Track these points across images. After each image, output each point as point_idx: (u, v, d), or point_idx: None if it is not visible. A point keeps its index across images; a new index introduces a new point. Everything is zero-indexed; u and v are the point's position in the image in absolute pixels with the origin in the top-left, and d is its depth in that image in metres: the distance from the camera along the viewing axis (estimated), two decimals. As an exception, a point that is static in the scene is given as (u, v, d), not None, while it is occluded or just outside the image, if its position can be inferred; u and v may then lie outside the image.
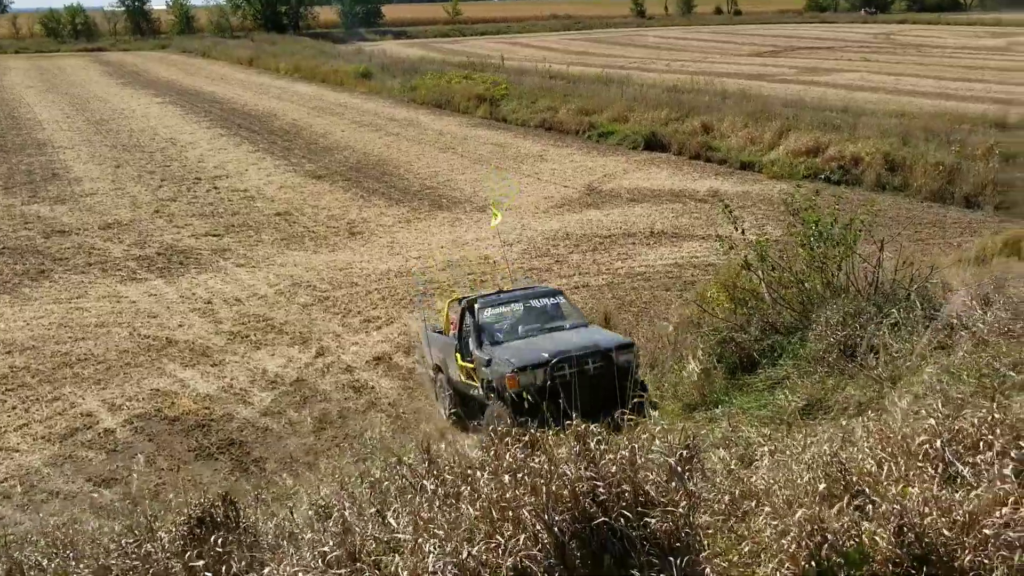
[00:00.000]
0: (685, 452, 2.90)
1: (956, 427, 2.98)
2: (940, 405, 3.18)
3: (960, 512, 2.52)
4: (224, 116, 39.21)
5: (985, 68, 44.88)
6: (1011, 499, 2.47)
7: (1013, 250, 14.51)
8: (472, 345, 10.71)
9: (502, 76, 42.95)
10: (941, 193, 20.95)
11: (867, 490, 2.68)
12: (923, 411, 3.33)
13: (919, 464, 2.84)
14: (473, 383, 10.74)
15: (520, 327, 10.91)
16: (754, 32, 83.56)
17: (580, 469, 2.61)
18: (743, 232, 11.29)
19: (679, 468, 2.77)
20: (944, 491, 2.66)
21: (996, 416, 2.95)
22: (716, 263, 14.93)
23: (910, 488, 2.62)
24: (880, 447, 3.01)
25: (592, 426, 2.99)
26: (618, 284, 16.01)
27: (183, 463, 10.31)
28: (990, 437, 2.84)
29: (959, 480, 2.76)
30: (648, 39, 78.69)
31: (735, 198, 21.47)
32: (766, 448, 3.62)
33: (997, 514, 2.44)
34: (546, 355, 9.78)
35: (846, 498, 2.68)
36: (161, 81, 55.20)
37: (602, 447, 2.75)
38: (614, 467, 2.66)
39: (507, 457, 2.83)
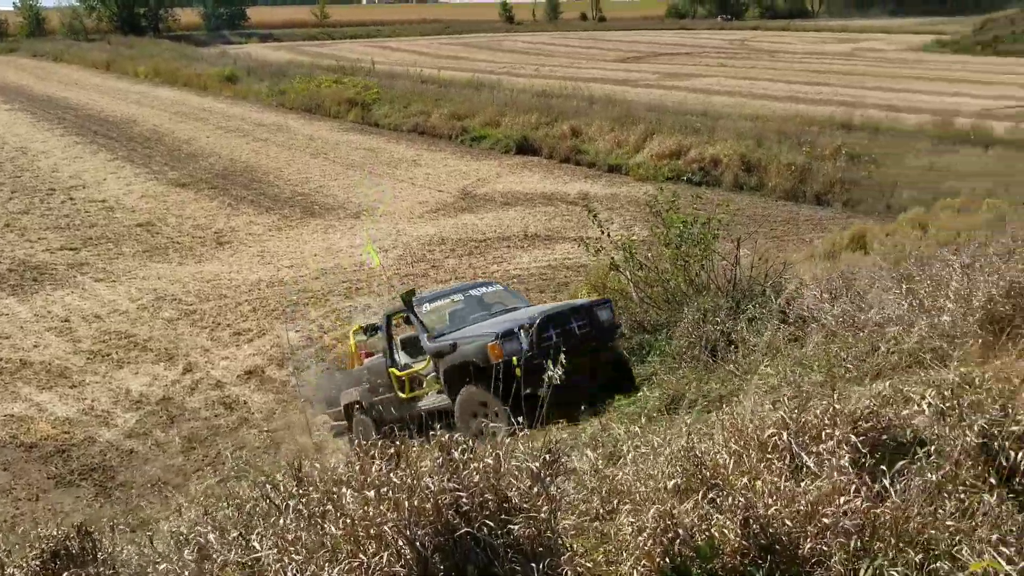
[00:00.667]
0: (548, 456, 2.97)
1: (803, 419, 3.17)
2: (787, 399, 3.37)
3: (803, 502, 2.69)
4: (79, 123, 37.21)
5: (831, 72, 47.64)
6: (849, 488, 2.65)
7: (859, 244, 15.50)
8: (422, 342, 9.62)
9: (373, 80, 42.57)
10: (794, 192, 22.12)
11: (720, 483, 2.83)
12: (773, 404, 3.52)
13: (768, 456, 3.01)
14: (421, 392, 9.79)
15: (468, 316, 9.95)
16: (618, 38, 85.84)
17: (443, 481, 2.63)
18: (608, 234, 11.62)
19: (542, 473, 2.84)
20: (789, 482, 2.82)
21: (837, 407, 3.15)
22: (588, 264, 15.28)
23: (756, 480, 2.78)
24: (733, 440, 3.17)
25: (456, 436, 3.02)
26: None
27: (42, 492, 9.75)
28: (831, 428, 3.04)
29: (804, 470, 2.94)
30: (517, 44, 79.66)
31: (604, 200, 22.05)
32: (631, 444, 3.75)
33: (835, 503, 2.61)
34: (525, 319, 8.91)
35: (700, 492, 2.81)
36: (10, 86, 51.83)
37: (466, 456, 2.78)
38: (477, 476, 2.70)
39: (372, 471, 2.82)
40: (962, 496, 2.68)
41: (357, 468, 2.90)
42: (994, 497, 2.60)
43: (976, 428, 2.87)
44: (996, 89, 37.54)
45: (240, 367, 13.05)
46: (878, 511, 2.53)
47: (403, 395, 9.83)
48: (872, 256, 13.80)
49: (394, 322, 10.55)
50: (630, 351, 9.99)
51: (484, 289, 10.82)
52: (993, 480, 2.74)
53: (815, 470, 2.85)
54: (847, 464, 2.78)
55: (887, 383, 3.68)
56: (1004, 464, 2.82)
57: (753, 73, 48.48)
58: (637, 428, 3.94)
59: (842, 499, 2.60)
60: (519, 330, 8.68)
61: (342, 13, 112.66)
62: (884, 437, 3.01)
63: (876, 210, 19.79)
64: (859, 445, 2.95)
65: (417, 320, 9.77)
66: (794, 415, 3.11)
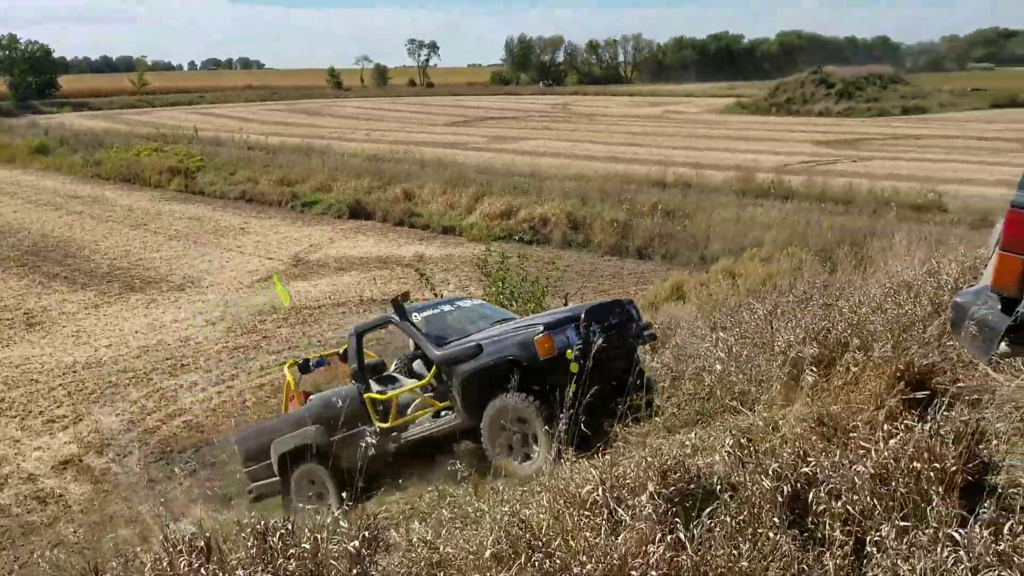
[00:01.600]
0: (367, 534, 2.97)
1: (616, 473, 3.34)
2: (600, 454, 3.54)
3: (615, 556, 2.83)
4: None
5: (645, 134, 50.52)
6: (655, 538, 2.81)
7: (678, 295, 16.39)
8: (426, 351, 8.25)
9: (196, 148, 41.35)
10: (618, 247, 23.15)
11: (542, 545, 2.92)
12: (589, 460, 3.68)
13: (586, 513, 3.15)
14: (410, 417, 8.35)
15: (467, 325, 8.66)
16: (447, 103, 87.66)
17: (257, 574, 2.58)
18: (441, 294, 11.77)
19: (362, 552, 2.84)
20: (600, 538, 2.96)
21: (648, 460, 3.34)
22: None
23: (572, 540, 2.90)
24: (555, 500, 3.29)
25: (280, 523, 2.96)
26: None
27: None
28: (644, 480, 3.21)
29: (623, 524, 3.09)
30: (347, 109, 79.73)
31: (439, 261, 22.26)
32: (459, 512, 3.80)
33: (644, 553, 2.76)
34: (547, 319, 7.83)
35: (524, 556, 2.90)
36: None
37: (281, 543, 2.74)
38: (295, 563, 2.67)
39: (181, 567, 2.72)
40: (760, 539, 2.90)
41: (166, 564, 2.79)
42: (787, 538, 2.84)
43: (771, 472, 3.12)
44: (791, 146, 40.97)
45: (55, 457, 12.13)
46: (681, 558, 2.71)
47: (383, 424, 8.27)
48: (689, 306, 14.60)
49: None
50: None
51: (467, 302, 9.65)
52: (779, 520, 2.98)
53: (631, 522, 3.01)
54: (652, 513, 2.95)
55: (694, 432, 3.93)
56: (797, 505, 3.07)
57: (575, 135, 50.65)
58: (465, 494, 3.99)
59: (650, 548, 2.76)
60: (562, 326, 7.45)
61: (162, 80, 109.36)
62: (692, 486, 3.21)
63: (692, 261, 20.99)
64: (670, 496, 3.13)
65: (414, 328, 8.40)
66: (607, 470, 3.27)
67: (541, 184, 28.71)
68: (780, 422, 4.16)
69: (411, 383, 8.64)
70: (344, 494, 6.91)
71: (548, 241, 24.21)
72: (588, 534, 3.00)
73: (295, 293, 19.99)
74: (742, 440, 3.51)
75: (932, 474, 2.98)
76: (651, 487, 3.18)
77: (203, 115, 71.01)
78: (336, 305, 19.04)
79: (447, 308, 9.13)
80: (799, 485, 3.10)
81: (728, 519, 2.98)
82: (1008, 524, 2.73)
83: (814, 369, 4.55)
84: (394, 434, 8.24)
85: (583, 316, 7.55)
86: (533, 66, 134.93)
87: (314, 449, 8.64)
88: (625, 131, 52.82)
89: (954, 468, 2.99)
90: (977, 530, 2.70)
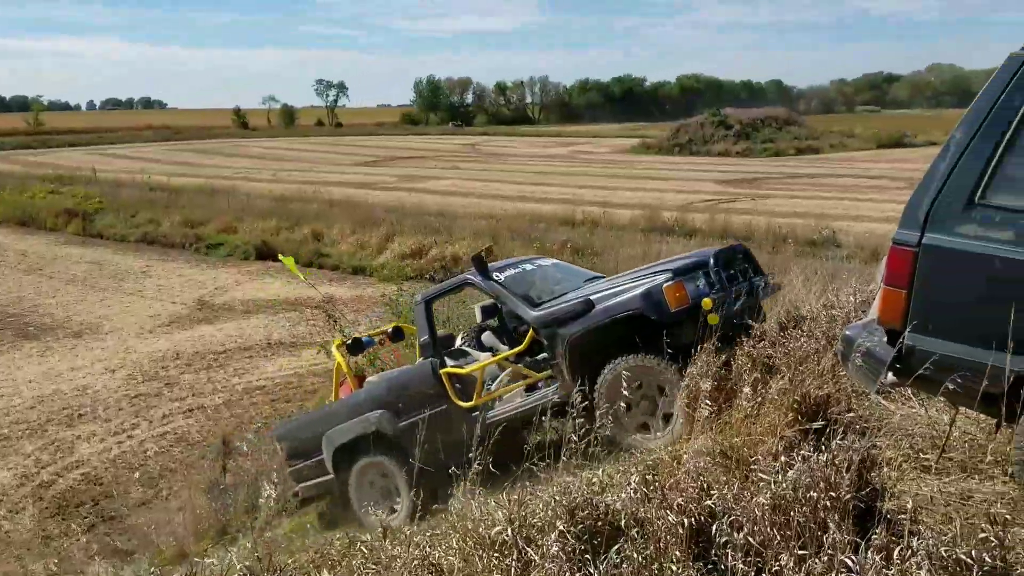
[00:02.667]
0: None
1: (524, 513, 3.36)
2: (506, 493, 3.57)
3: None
4: None
5: (554, 173, 51.33)
6: None
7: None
8: (520, 312, 7.06)
9: (95, 189, 40.01)
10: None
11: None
12: (496, 500, 3.70)
13: (496, 554, 3.16)
14: (496, 394, 7.24)
15: (555, 286, 7.53)
16: (356, 143, 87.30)
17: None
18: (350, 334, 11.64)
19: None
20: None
21: (556, 499, 3.38)
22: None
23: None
24: (464, 541, 3.29)
25: None
26: (236, 401, 15.45)
27: None
28: (552, 519, 3.25)
29: (532, 564, 3.11)
30: (253, 150, 78.51)
31: (350, 302, 22.00)
32: (371, 557, 3.75)
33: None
34: (691, 259, 6.78)
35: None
36: None
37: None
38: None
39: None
40: (665, 573, 2.97)
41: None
42: (692, 571, 2.91)
43: (675, 506, 3.20)
44: (693, 185, 42.24)
45: (-62, 520, 11.41)
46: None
47: (465, 403, 7.18)
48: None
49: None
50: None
51: (546, 261, 8.51)
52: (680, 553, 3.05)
53: (540, 562, 3.04)
54: (562, 553, 2.99)
55: (601, 469, 4.00)
56: (701, 538, 3.15)
57: (486, 175, 51.08)
58: (372, 538, 3.94)
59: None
60: (693, 272, 6.40)
61: (59, 120, 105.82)
62: (600, 523, 3.26)
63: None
64: (579, 533, 3.17)
65: (500, 287, 7.25)
66: (516, 510, 3.29)
67: (452, 223, 28.80)
68: (684, 456, 4.26)
69: (501, 351, 7.51)
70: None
71: (459, 280, 24.23)
72: (498, 576, 3.01)
73: (200, 337, 19.45)
74: (647, 476, 3.59)
75: (828, 502, 3.10)
76: (560, 526, 3.22)
77: (103, 156, 68.85)
78: (243, 349, 18.59)
79: (529, 267, 7.97)
80: (702, 518, 3.18)
81: (635, 555, 3.04)
82: (897, 549, 2.86)
83: (708, 403, 4.68)
84: (475, 414, 6.94)
85: (712, 261, 6.54)
86: (442, 107, 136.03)
87: (380, 438, 7.53)
88: (534, 171, 53.55)
89: (848, 496, 3.13)
90: (869, 556, 2.83)
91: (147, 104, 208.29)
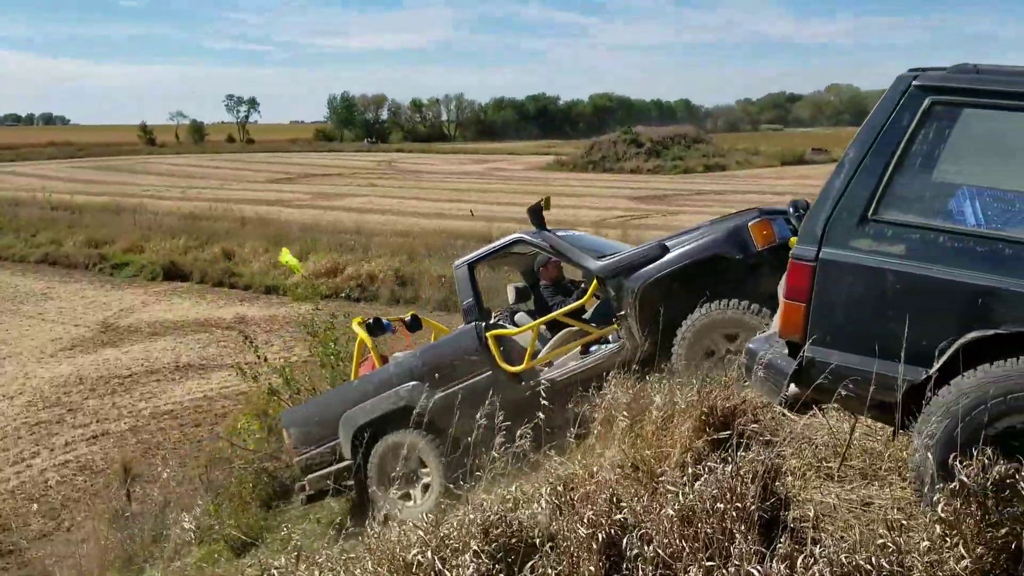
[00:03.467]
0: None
1: (442, 532, 3.34)
2: (425, 513, 3.54)
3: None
4: None
5: (471, 190, 51.44)
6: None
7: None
8: (584, 264, 6.63)
9: (-9, 208, 38.31)
10: (446, 302, 23.24)
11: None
12: (413, 523, 3.67)
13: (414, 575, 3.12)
14: (547, 356, 6.77)
15: (611, 244, 7.57)
16: (269, 160, 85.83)
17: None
18: (265, 359, 11.41)
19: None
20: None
21: (471, 517, 3.37)
22: (247, 391, 14.75)
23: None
24: (379, 565, 3.25)
25: None
26: (143, 427, 14.93)
27: None
28: (467, 538, 3.23)
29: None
30: (161, 167, 76.33)
31: (263, 322, 21.58)
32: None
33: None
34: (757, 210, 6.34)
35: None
36: None
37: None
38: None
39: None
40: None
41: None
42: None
43: (586, 519, 3.22)
44: (607, 201, 42.90)
45: None
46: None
47: (513, 368, 6.65)
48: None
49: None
50: (292, 479, 9.72)
51: (578, 231, 8.36)
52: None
53: (455, 583, 3.02)
54: (476, 573, 2.98)
55: (515, 486, 4.00)
56: (612, 552, 3.18)
57: (402, 192, 50.84)
58: (284, 563, 3.85)
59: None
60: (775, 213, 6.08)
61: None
62: (514, 540, 3.26)
63: (519, 314, 21.43)
64: (493, 552, 3.16)
65: (559, 239, 6.92)
66: (432, 530, 3.27)
67: (368, 241, 28.56)
68: (597, 469, 4.30)
69: (563, 306, 6.98)
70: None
71: (376, 298, 24.03)
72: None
73: (104, 361, 18.75)
74: (559, 488, 3.61)
75: (734, 513, 3.17)
76: (475, 545, 3.20)
77: (1, 173, 65.94)
78: (149, 373, 18.00)
79: (578, 233, 7.84)
80: (613, 531, 3.21)
81: (549, 570, 3.05)
82: (800, 557, 2.94)
83: (626, 415, 4.75)
84: (522, 384, 6.56)
85: (791, 208, 6.33)
86: (357, 123, 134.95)
87: (407, 414, 6.90)
88: (451, 187, 53.56)
89: (753, 507, 3.20)
90: (774, 565, 2.90)
91: (48, 120, 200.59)
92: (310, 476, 7.83)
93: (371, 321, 8.76)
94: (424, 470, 7.11)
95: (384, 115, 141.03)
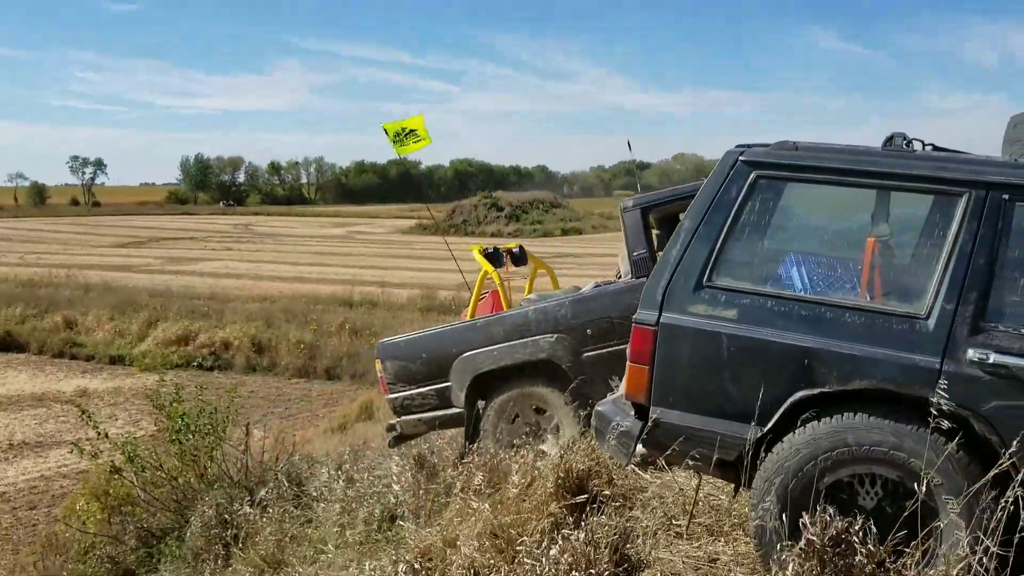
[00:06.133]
0: None
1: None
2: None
3: None
4: None
5: (332, 254, 50.83)
6: None
7: (368, 414, 16.40)
8: None
9: None
10: (305, 369, 22.78)
11: None
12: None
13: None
14: None
15: None
16: (116, 223, 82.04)
17: None
18: (107, 434, 10.74)
19: None
20: None
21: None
22: (88, 470, 13.83)
23: None
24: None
25: None
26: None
27: None
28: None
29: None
30: (-4, 231, 71.59)
31: (107, 395, 20.40)
32: None
33: None
34: None
35: None
36: None
37: None
38: None
39: None
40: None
41: None
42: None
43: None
44: (468, 264, 43.23)
45: None
46: None
47: None
48: (379, 424, 14.66)
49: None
50: (138, 562, 9.13)
51: None
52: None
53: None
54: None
55: (368, 564, 3.91)
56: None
57: (259, 256, 49.62)
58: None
59: None
60: None
61: None
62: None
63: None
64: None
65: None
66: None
67: (223, 307, 27.67)
68: (456, 539, 4.27)
69: None
70: None
71: (231, 366, 23.22)
72: None
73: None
74: (415, 565, 3.54)
75: (589, 578, 3.20)
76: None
77: None
78: (-22, 453, 16.62)
79: None
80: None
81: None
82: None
83: (478, 482, 4.74)
84: None
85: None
86: (212, 186, 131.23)
87: (549, 367, 6.29)
88: (311, 251, 52.72)
89: (607, 572, 3.25)
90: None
91: None
92: (405, 418, 7.07)
93: (490, 250, 7.99)
94: (547, 437, 6.49)
95: (241, 177, 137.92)
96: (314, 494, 8.55)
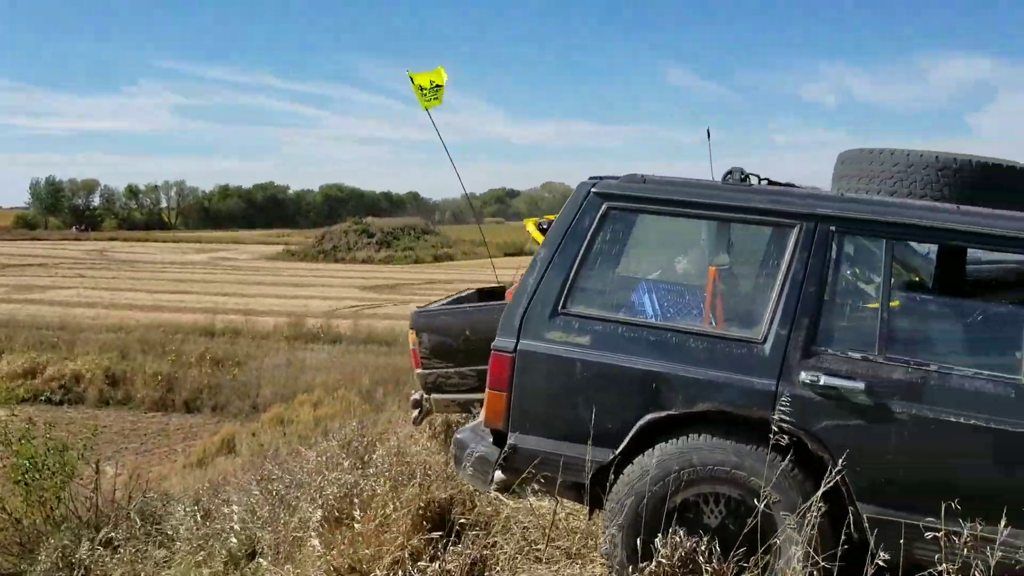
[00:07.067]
0: None
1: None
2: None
3: None
4: None
5: (193, 280, 48.92)
6: None
7: (229, 448, 15.86)
8: None
9: None
10: (163, 401, 21.81)
11: None
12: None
13: None
14: None
15: None
16: (-45, 248, 76.28)
17: None
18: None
19: None
20: None
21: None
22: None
23: None
24: None
25: None
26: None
27: None
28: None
29: None
30: None
31: (-61, 435, 18.85)
32: None
33: None
34: None
35: None
36: None
37: None
38: None
39: None
40: None
41: None
42: None
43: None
44: (338, 291, 42.65)
45: None
46: None
47: None
48: (240, 458, 14.21)
49: None
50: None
51: None
52: None
53: None
54: None
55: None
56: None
57: (115, 283, 47.20)
58: None
59: None
60: None
61: None
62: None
63: (243, 411, 20.53)
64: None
65: None
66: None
67: (74, 337, 26.19)
68: (313, 574, 4.17)
69: None
70: None
71: (83, 400, 21.98)
72: None
73: None
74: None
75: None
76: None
77: None
78: None
79: None
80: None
81: None
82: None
83: (331, 518, 4.66)
84: None
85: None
86: (64, 210, 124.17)
87: None
88: (171, 278, 50.57)
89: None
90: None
91: None
92: (436, 396, 6.53)
93: (545, 225, 7.14)
94: None
95: (96, 201, 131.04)
96: (169, 532, 8.21)
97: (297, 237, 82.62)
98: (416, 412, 7.00)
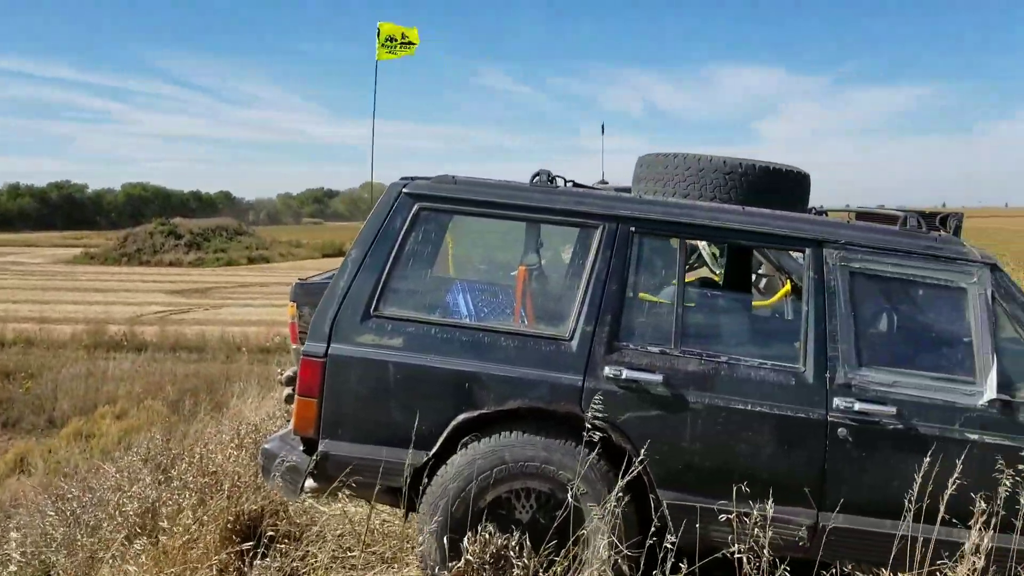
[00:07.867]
0: None
1: None
2: None
3: None
4: None
5: (-22, 287, 44.67)
6: None
7: (22, 467, 14.57)
8: None
9: None
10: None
11: None
12: None
13: None
14: None
15: None
16: None
17: None
18: None
19: None
20: None
21: None
22: None
23: None
24: None
25: None
26: None
27: None
28: None
29: None
30: None
31: None
32: None
33: None
34: None
35: None
36: None
37: None
38: None
39: None
40: None
41: None
42: None
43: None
44: (144, 296, 40.22)
45: None
46: None
47: None
48: (35, 478, 13.16)
49: None
50: None
51: None
52: None
53: None
54: None
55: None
56: None
57: None
58: None
59: None
60: None
61: None
62: None
63: (39, 427, 18.92)
64: None
65: None
66: None
67: None
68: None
69: None
70: None
71: None
72: None
73: None
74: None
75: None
76: None
77: None
78: None
79: None
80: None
81: None
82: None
83: (132, 536, 4.40)
84: None
85: None
86: None
87: None
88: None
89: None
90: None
91: None
92: None
93: None
94: None
95: None
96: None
97: (97, 239, 77.10)
98: (289, 390, 6.72)
